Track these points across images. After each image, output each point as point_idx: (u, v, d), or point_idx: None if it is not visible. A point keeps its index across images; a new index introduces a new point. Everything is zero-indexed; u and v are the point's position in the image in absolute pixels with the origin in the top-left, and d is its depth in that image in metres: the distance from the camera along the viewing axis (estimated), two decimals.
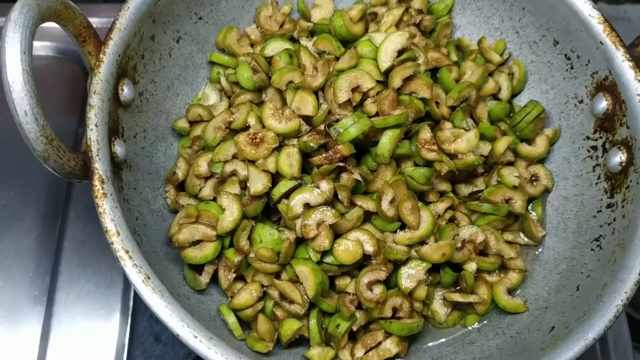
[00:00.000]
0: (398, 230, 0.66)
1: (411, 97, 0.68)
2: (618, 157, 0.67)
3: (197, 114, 0.74)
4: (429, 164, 0.68)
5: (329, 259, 0.64)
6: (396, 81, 0.67)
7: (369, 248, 0.64)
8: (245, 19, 0.83)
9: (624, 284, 0.59)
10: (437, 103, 0.72)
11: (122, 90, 0.65)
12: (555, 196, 0.76)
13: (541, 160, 0.77)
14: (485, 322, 0.71)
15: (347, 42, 0.75)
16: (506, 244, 0.71)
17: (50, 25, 0.60)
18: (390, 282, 0.67)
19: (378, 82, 0.67)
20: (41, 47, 0.95)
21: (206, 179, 0.70)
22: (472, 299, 0.69)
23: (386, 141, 0.65)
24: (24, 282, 0.80)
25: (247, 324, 0.68)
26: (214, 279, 0.69)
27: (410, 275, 0.65)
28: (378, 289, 0.64)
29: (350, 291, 0.65)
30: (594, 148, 0.71)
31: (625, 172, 0.66)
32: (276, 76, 0.68)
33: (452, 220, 0.71)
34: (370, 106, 0.67)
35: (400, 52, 0.68)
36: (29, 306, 0.79)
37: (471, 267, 0.69)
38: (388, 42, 0.68)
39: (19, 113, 0.50)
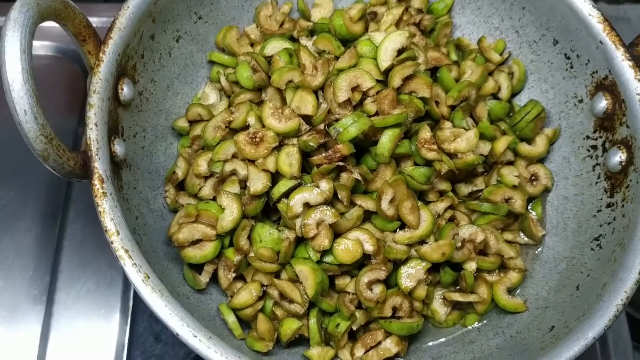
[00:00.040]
0: (398, 230, 0.66)
1: (411, 97, 0.68)
2: (618, 157, 0.67)
3: (197, 114, 0.74)
4: (428, 163, 0.68)
5: (328, 259, 0.64)
6: (396, 80, 0.67)
7: (369, 247, 0.64)
8: (245, 18, 0.83)
9: (623, 283, 0.59)
10: (436, 102, 0.72)
11: (122, 89, 0.64)
12: (555, 195, 0.76)
13: (541, 160, 0.77)
14: (485, 321, 0.71)
15: (347, 41, 0.75)
16: (506, 243, 0.71)
17: (50, 24, 0.60)
18: (390, 282, 0.67)
19: (378, 81, 0.67)
20: (41, 47, 0.95)
21: (206, 178, 0.70)
22: (472, 298, 0.69)
23: (386, 140, 0.65)
24: (24, 281, 0.80)
25: (246, 324, 0.68)
26: (214, 278, 0.69)
27: (410, 275, 0.65)
28: (378, 289, 0.64)
29: (350, 290, 0.65)
30: (594, 147, 0.71)
31: (625, 172, 0.66)
32: (276, 75, 0.68)
33: (451, 219, 0.70)
34: (370, 105, 0.67)
35: (400, 52, 0.68)
36: (29, 305, 0.79)
37: (471, 266, 0.69)
38: (388, 42, 0.68)
39: (19, 112, 0.50)
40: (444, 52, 0.77)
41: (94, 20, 0.70)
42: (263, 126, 0.67)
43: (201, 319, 0.57)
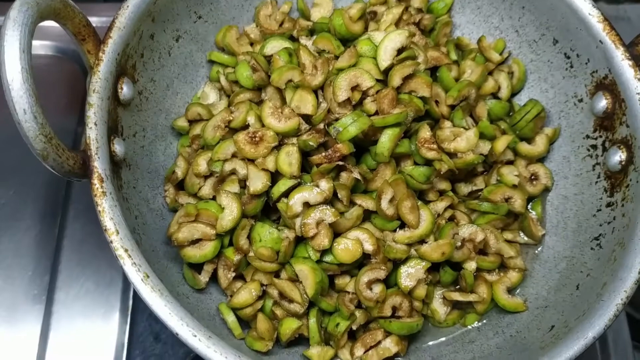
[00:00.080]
0: (398, 229, 0.66)
1: (411, 96, 0.68)
2: (618, 156, 0.67)
3: (197, 113, 0.74)
4: (428, 162, 0.68)
5: (328, 258, 0.64)
6: (396, 80, 0.67)
7: (369, 247, 0.64)
8: (244, 17, 0.83)
9: (623, 282, 0.59)
10: (436, 102, 0.72)
11: (122, 88, 0.64)
12: (555, 195, 0.76)
13: (541, 159, 0.77)
14: (485, 321, 0.71)
15: (347, 40, 0.75)
16: (506, 243, 0.71)
17: (50, 24, 0.60)
18: (389, 281, 0.67)
19: (377, 80, 0.67)
20: (41, 46, 0.95)
21: (205, 177, 0.70)
22: (471, 298, 0.69)
23: (386, 140, 0.65)
24: (23, 281, 0.80)
25: (246, 323, 0.68)
26: (214, 278, 0.69)
27: (410, 274, 0.65)
28: (377, 288, 0.64)
29: (350, 290, 0.65)
30: (594, 147, 0.71)
31: (625, 171, 0.66)
32: (275, 75, 0.68)
33: (451, 219, 0.70)
34: (369, 105, 0.67)
35: (399, 51, 0.68)
36: (28, 305, 0.79)
37: (471, 266, 0.69)
38: (387, 41, 0.68)
39: (18, 111, 0.50)
40: (444, 51, 0.77)
41: (94, 20, 0.70)
42: (263, 125, 0.67)
43: (201, 318, 0.57)
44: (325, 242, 0.63)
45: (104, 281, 0.80)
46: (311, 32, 0.78)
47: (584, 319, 0.59)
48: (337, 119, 0.66)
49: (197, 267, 0.68)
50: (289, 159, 0.64)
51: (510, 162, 0.76)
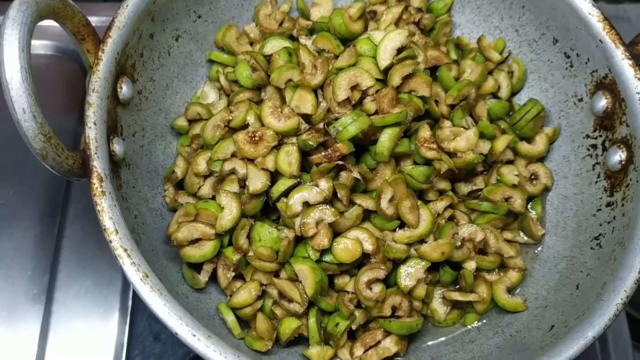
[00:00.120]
0: (397, 229, 0.66)
1: (410, 96, 0.68)
2: (618, 156, 0.67)
3: (196, 113, 0.74)
4: (428, 162, 0.68)
5: (328, 258, 0.64)
6: (395, 79, 0.67)
7: (368, 247, 0.64)
8: (244, 17, 0.83)
9: (623, 282, 0.59)
10: (436, 101, 0.72)
11: (121, 88, 0.64)
12: (554, 195, 0.76)
13: (541, 159, 0.77)
14: (484, 321, 0.71)
15: (347, 40, 0.75)
16: (506, 242, 0.71)
17: (50, 23, 0.60)
18: (389, 281, 0.67)
19: (377, 80, 0.67)
20: (40, 46, 0.95)
21: (205, 177, 0.70)
22: (471, 297, 0.69)
23: (385, 139, 0.65)
24: (23, 281, 0.80)
25: (246, 323, 0.68)
26: (213, 277, 0.68)
27: (410, 274, 0.65)
28: (377, 288, 0.64)
29: (350, 290, 0.65)
30: (594, 146, 0.71)
31: (625, 171, 0.66)
32: (275, 74, 0.68)
33: (451, 218, 0.70)
34: (369, 104, 0.66)
35: (399, 51, 0.68)
36: (28, 305, 0.79)
37: (470, 265, 0.69)
38: (387, 40, 0.68)
39: (17, 111, 0.50)
40: (444, 51, 0.77)
41: (93, 20, 0.70)
42: (262, 125, 0.67)
43: (200, 318, 0.57)
44: (324, 242, 0.63)
45: (103, 281, 0.80)
46: (311, 32, 0.78)
47: (583, 318, 0.59)
48: (336, 119, 0.65)
49: (197, 267, 0.68)
50: (288, 159, 0.64)
51: (510, 162, 0.76)
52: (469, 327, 0.71)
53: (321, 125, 0.66)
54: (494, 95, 0.79)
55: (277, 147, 0.66)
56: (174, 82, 0.77)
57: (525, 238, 0.75)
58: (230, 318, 0.66)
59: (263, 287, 0.67)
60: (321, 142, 0.65)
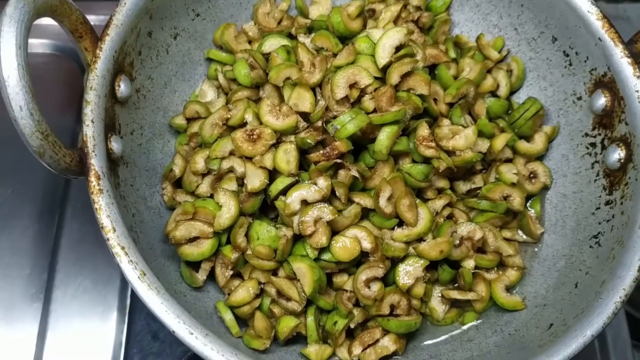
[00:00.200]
0: (396, 227, 0.66)
1: (409, 94, 0.68)
2: (617, 154, 0.67)
3: (195, 111, 0.74)
4: (427, 160, 0.68)
5: (326, 256, 0.64)
6: (394, 77, 0.67)
7: (367, 245, 0.64)
8: (242, 15, 0.82)
9: (622, 281, 0.59)
10: (435, 100, 0.72)
11: (119, 86, 0.64)
12: (553, 193, 0.75)
13: (540, 157, 0.77)
14: (483, 319, 0.71)
15: (345, 38, 0.75)
16: (504, 241, 0.71)
17: (48, 22, 0.60)
18: (388, 279, 0.66)
19: (376, 78, 0.67)
20: (39, 45, 0.95)
21: (203, 175, 0.70)
22: (470, 296, 0.68)
23: (384, 138, 0.65)
24: (21, 280, 0.80)
25: (244, 321, 0.68)
26: (211, 276, 0.68)
27: (408, 273, 0.65)
28: (376, 286, 0.64)
29: (348, 288, 0.65)
30: (593, 145, 0.71)
31: (624, 169, 0.66)
32: (273, 72, 0.68)
33: (450, 217, 0.70)
34: (367, 102, 0.66)
35: (398, 49, 0.68)
36: (26, 304, 0.78)
37: (469, 264, 0.69)
38: (386, 38, 0.68)
39: (14, 108, 0.50)
40: (443, 49, 0.77)
41: (92, 18, 0.70)
42: (260, 123, 0.67)
43: (198, 316, 0.57)
44: (323, 240, 0.62)
45: (101, 280, 0.80)
46: (309, 30, 0.78)
47: (582, 317, 0.59)
48: (335, 117, 0.65)
49: (195, 265, 0.68)
50: (286, 157, 0.64)
51: (509, 160, 0.76)
52: (468, 325, 0.71)
53: (319, 123, 0.66)
54: (493, 93, 0.79)
55: (276, 145, 0.66)
56: (172, 80, 0.76)
57: (524, 237, 0.74)
58: (228, 316, 0.66)
59: (261, 285, 0.67)
60: (319, 141, 0.65)
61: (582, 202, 0.71)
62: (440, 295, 0.70)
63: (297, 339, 0.67)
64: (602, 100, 0.69)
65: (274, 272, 0.66)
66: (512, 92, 0.81)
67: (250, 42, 0.80)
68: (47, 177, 0.85)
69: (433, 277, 0.69)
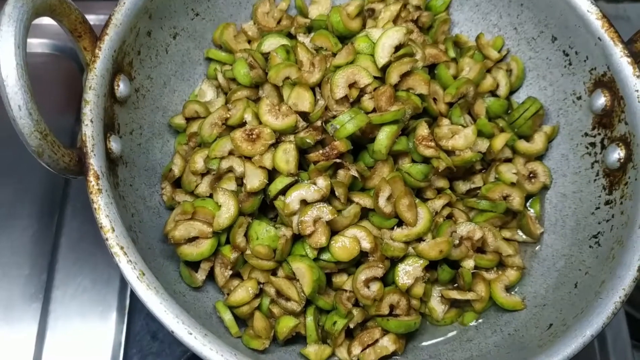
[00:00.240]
0: (395, 227, 0.66)
1: (408, 94, 0.68)
2: (616, 154, 0.67)
3: (194, 111, 0.74)
4: (426, 160, 0.68)
5: (325, 256, 0.64)
6: (393, 77, 0.67)
7: (366, 245, 0.64)
8: (242, 15, 0.82)
9: (622, 280, 0.59)
10: (434, 99, 0.72)
11: (118, 86, 0.64)
12: (553, 193, 0.75)
13: (539, 157, 0.77)
14: (482, 319, 0.71)
15: (345, 38, 0.75)
16: (504, 241, 0.71)
17: (47, 22, 0.60)
18: (387, 279, 0.66)
19: (375, 78, 0.67)
20: (38, 44, 0.95)
21: (202, 175, 0.70)
22: (469, 296, 0.68)
23: (383, 137, 0.65)
24: (20, 280, 0.80)
25: (243, 322, 0.68)
26: (210, 276, 0.68)
27: (408, 272, 0.65)
28: (375, 286, 0.64)
29: (347, 288, 0.65)
30: (593, 145, 0.71)
31: (624, 169, 0.66)
32: (273, 72, 0.68)
33: (449, 217, 0.70)
34: (367, 102, 0.66)
35: (397, 48, 0.68)
36: (25, 304, 0.78)
37: (469, 264, 0.69)
38: (385, 38, 0.68)
39: (13, 108, 0.50)
40: (442, 49, 0.77)
41: (91, 18, 0.70)
42: (260, 123, 0.67)
43: (197, 316, 0.57)
44: (322, 240, 0.62)
45: (101, 280, 0.80)
46: (309, 30, 0.78)
47: (582, 317, 0.59)
48: (334, 117, 0.65)
49: (194, 265, 0.68)
50: (286, 157, 0.64)
51: (508, 160, 0.76)
52: (467, 325, 0.71)
53: (319, 123, 0.66)
54: (493, 93, 0.79)
55: (275, 145, 0.66)
56: (172, 80, 0.76)
57: (524, 236, 0.74)
58: (227, 316, 0.66)
59: (260, 285, 0.67)
60: (319, 140, 0.65)
61: (581, 201, 0.71)
62: (439, 295, 0.70)
63: (297, 339, 0.67)
64: (601, 100, 0.69)
65: (274, 272, 0.66)
66: (512, 91, 0.81)
67: (249, 41, 0.80)
68: (47, 176, 0.85)
69: (432, 277, 0.69)
